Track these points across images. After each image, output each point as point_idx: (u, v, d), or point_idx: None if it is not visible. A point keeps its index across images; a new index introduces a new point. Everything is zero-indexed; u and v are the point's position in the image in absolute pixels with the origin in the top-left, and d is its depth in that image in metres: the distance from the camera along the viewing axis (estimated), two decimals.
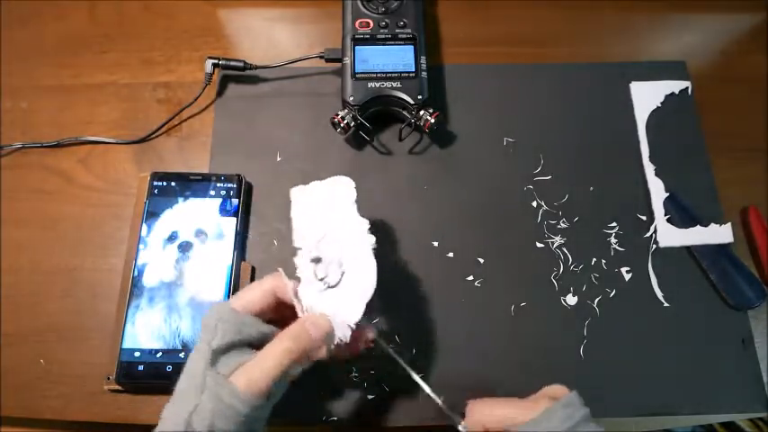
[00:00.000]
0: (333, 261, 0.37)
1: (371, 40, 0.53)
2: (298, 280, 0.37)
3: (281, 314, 0.37)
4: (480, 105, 0.56)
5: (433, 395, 0.38)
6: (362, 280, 0.37)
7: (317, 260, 0.38)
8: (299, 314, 0.36)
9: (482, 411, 0.37)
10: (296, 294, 0.36)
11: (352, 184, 0.40)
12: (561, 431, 0.33)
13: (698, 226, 0.50)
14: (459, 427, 0.37)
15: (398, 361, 0.38)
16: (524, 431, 0.34)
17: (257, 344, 0.34)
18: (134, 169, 0.53)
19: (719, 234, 0.50)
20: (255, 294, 0.35)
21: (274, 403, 0.34)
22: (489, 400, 0.38)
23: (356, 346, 0.37)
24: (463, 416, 0.38)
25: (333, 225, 0.39)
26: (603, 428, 0.35)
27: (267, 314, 0.36)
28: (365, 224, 0.38)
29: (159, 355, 0.44)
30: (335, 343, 0.35)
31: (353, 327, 0.35)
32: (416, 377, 0.38)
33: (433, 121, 0.50)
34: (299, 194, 0.41)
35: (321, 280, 0.37)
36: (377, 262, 0.37)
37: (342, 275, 0.37)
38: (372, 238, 0.38)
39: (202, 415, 0.30)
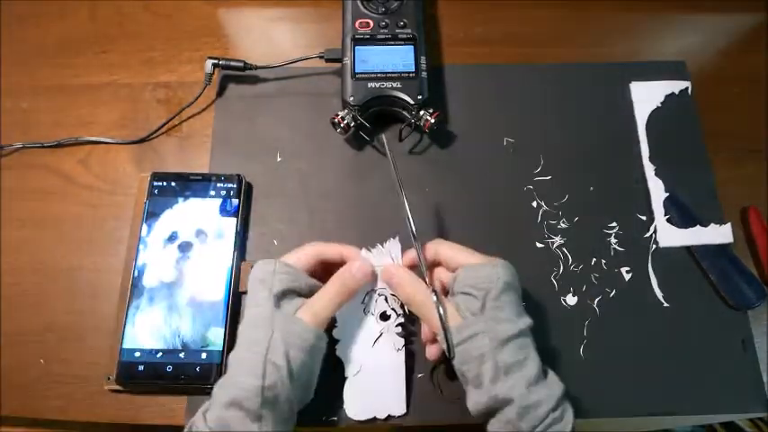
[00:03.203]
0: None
1: (371, 40, 0.53)
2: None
3: (324, 275, 0.43)
4: (480, 105, 0.56)
5: (409, 213, 0.41)
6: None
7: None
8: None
9: (442, 248, 0.42)
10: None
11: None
12: (503, 279, 0.38)
13: (698, 226, 0.50)
14: (415, 243, 0.41)
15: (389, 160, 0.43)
16: (474, 267, 0.39)
17: (306, 294, 0.40)
18: (134, 169, 0.53)
19: (719, 234, 0.49)
20: (301, 255, 0.42)
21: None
22: (453, 244, 0.42)
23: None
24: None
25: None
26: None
27: (312, 273, 0.42)
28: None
29: (159, 355, 0.44)
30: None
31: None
32: (405, 200, 0.42)
33: (433, 121, 0.50)
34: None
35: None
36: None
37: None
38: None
39: (278, 348, 0.35)
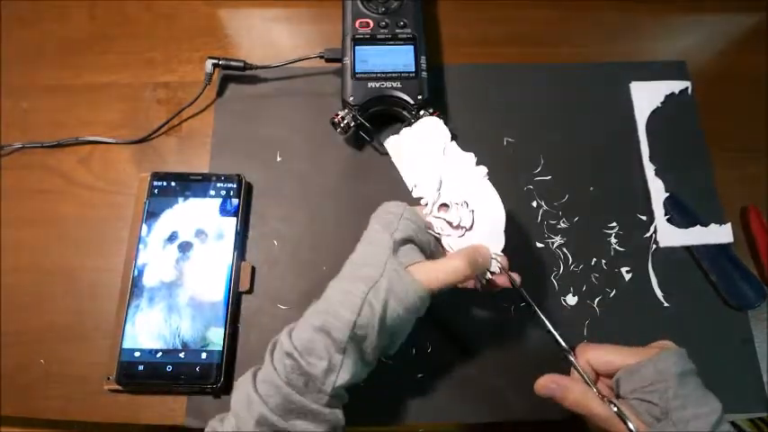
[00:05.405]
0: (459, 204, 0.40)
1: (371, 40, 0.53)
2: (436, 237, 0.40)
3: None
4: (480, 105, 0.56)
5: (551, 328, 0.39)
6: (492, 211, 0.40)
7: (444, 206, 0.40)
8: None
9: (592, 353, 0.38)
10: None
11: (441, 121, 0.43)
12: (673, 372, 0.34)
13: (698, 226, 0.50)
14: (570, 357, 0.38)
15: (524, 295, 0.41)
16: (638, 368, 0.35)
17: (425, 250, 0.39)
18: (134, 169, 0.53)
19: (719, 234, 0.49)
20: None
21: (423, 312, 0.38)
22: (600, 345, 0.39)
23: (504, 279, 0.40)
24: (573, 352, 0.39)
25: (443, 168, 0.41)
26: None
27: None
28: (472, 157, 0.41)
29: (159, 355, 0.44)
30: (489, 276, 0.40)
31: (501, 259, 0.39)
32: (540, 313, 0.39)
33: None
34: (395, 144, 0.43)
35: (456, 227, 0.40)
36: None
37: (472, 214, 0.40)
38: (484, 169, 0.41)
39: (379, 293, 0.34)
